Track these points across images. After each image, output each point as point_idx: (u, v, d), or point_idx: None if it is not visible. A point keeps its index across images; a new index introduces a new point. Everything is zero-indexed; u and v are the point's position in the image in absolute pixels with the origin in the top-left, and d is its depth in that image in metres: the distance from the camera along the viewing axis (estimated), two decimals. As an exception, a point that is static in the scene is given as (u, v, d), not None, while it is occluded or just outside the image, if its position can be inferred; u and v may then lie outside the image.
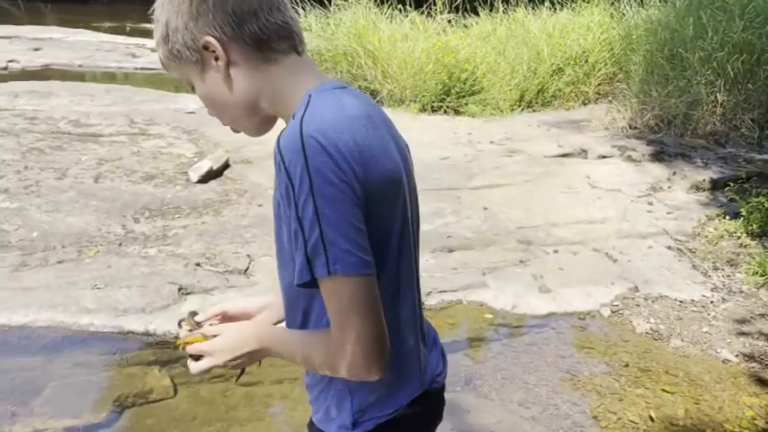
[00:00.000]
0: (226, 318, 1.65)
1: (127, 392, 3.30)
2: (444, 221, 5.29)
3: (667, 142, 7.20)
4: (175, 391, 3.37)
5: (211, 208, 5.25)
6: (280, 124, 1.37)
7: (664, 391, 3.65)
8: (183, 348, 1.51)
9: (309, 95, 1.20)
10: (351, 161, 1.12)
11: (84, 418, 3.13)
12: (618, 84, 9.19)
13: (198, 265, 4.37)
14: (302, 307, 1.35)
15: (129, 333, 3.72)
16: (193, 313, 1.62)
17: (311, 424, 1.52)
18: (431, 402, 1.48)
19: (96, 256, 4.36)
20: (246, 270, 4.42)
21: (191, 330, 1.53)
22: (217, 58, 1.21)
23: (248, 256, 4.59)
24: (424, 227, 5.42)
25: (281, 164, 1.12)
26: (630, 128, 7.70)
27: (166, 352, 3.65)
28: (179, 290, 4.05)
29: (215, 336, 1.43)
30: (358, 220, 1.13)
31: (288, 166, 1.11)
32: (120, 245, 4.55)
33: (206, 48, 1.21)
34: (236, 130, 1.41)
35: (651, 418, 3.42)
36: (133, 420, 3.17)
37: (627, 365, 3.86)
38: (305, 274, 1.13)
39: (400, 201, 1.27)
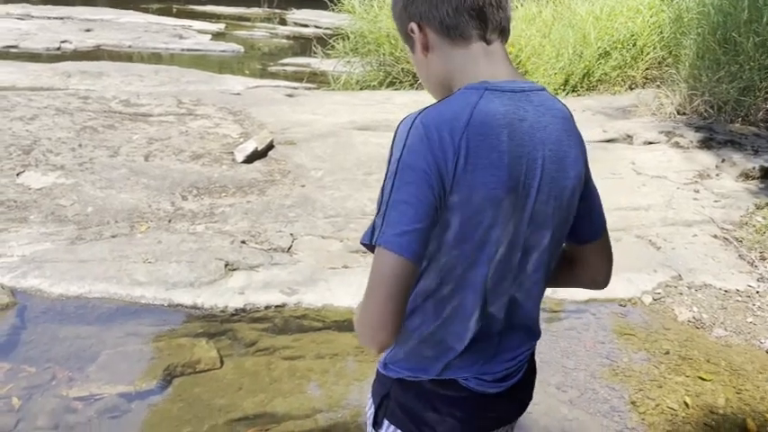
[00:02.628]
0: None
1: (176, 362, 3.44)
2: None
3: (717, 129, 7.02)
4: (222, 363, 3.50)
5: (256, 187, 5.38)
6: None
7: (704, 379, 3.63)
8: None
9: (460, 89, 1.29)
10: (447, 159, 1.19)
11: (137, 384, 3.29)
12: (666, 68, 8.97)
13: (243, 242, 4.50)
14: None
15: (178, 306, 3.87)
16: None
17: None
18: (471, 401, 1.45)
19: (147, 232, 4.53)
20: (289, 248, 4.53)
21: None
22: (418, 41, 1.35)
23: (291, 234, 4.70)
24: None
25: (393, 137, 1.26)
26: (678, 114, 7.53)
27: (213, 325, 3.79)
28: (225, 265, 4.18)
29: None
30: (425, 212, 1.19)
31: (394, 141, 1.25)
32: (169, 221, 4.70)
33: (411, 31, 1.34)
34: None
35: (690, 406, 3.41)
36: (182, 389, 3.32)
37: (667, 353, 3.84)
38: (366, 236, 1.26)
39: (497, 219, 1.26)
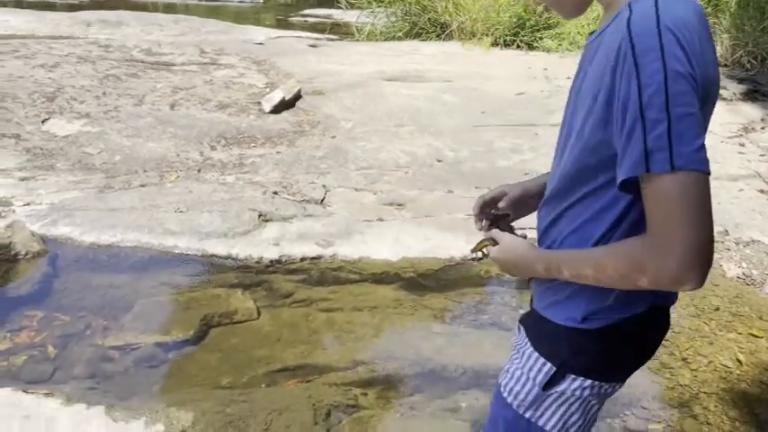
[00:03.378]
0: (510, 201, 1.71)
1: (212, 312, 3.35)
2: (521, 158, 5.12)
3: (761, 81, 6.72)
4: (258, 314, 3.41)
5: (285, 138, 5.22)
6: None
7: (756, 336, 3.49)
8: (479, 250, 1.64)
9: None
10: (696, 60, 1.08)
11: (173, 334, 3.21)
12: (708, 18, 8.59)
13: (275, 193, 4.37)
14: (571, 203, 1.35)
15: (212, 256, 3.77)
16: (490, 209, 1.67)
17: (532, 311, 1.54)
18: (659, 319, 1.43)
19: (177, 181, 4.41)
20: (323, 200, 4.40)
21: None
22: None
23: (324, 186, 4.56)
24: (500, 162, 5.30)
25: (627, 51, 1.07)
26: (721, 65, 7.22)
27: (248, 276, 3.69)
28: (259, 216, 4.06)
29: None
30: (700, 118, 1.09)
31: (638, 53, 1.07)
32: (198, 171, 4.58)
33: None
34: (548, 9, 1.39)
35: (744, 363, 3.27)
36: (219, 339, 3.24)
37: (717, 309, 3.70)
38: (638, 168, 1.08)
39: (710, 114, 1.25)
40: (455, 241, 4.03)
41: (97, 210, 4.00)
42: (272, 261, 3.78)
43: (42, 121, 4.98)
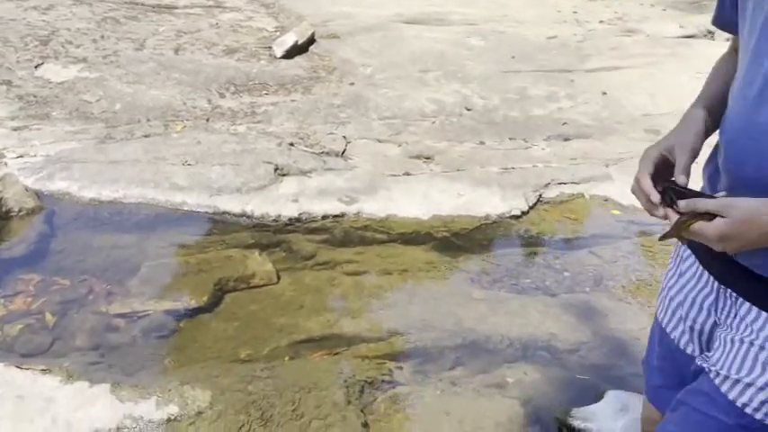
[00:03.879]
0: (685, 170, 1.27)
1: (227, 276, 3.02)
2: (558, 106, 4.71)
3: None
4: (278, 278, 3.08)
5: (300, 85, 4.81)
6: None
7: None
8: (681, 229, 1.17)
9: None
10: None
11: (184, 300, 2.89)
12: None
13: (291, 144, 3.99)
14: None
15: (225, 213, 3.42)
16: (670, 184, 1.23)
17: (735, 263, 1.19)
18: None
19: (184, 131, 4.03)
20: (343, 152, 4.02)
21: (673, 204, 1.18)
22: None
23: (344, 137, 4.18)
24: (535, 111, 4.89)
25: None
26: (764, 8, 6.70)
27: (265, 235, 3.35)
28: (275, 170, 3.70)
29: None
30: None
31: None
32: (207, 120, 4.19)
33: None
34: None
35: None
36: (236, 306, 2.91)
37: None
38: None
39: None
40: (490, 198, 3.67)
41: (97, 162, 3.63)
42: (290, 219, 3.43)
43: (35, 67, 4.58)
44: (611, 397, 2.27)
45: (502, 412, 2.44)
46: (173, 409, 2.19)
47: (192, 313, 2.85)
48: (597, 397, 2.40)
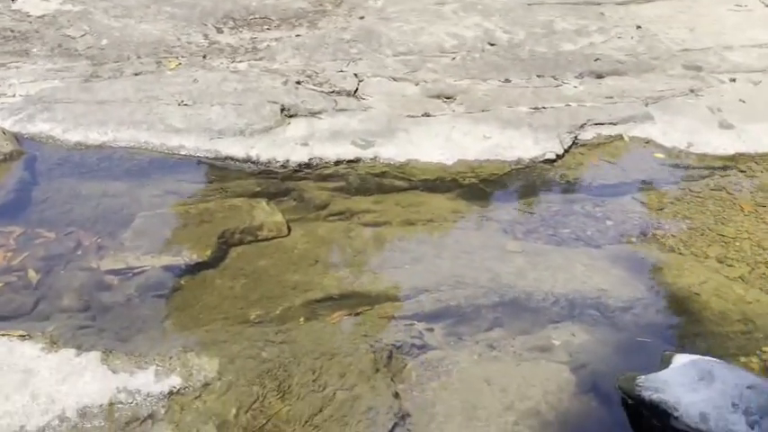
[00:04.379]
0: None
1: (232, 228, 2.68)
2: (589, 41, 4.29)
3: None
4: (289, 229, 2.74)
5: (305, 19, 4.38)
6: None
7: None
8: None
9: None
10: None
11: (186, 255, 2.56)
12: None
13: (298, 83, 3.59)
14: None
15: (228, 159, 3.05)
16: None
17: None
18: None
19: (178, 69, 3.63)
20: (356, 92, 3.63)
21: None
22: None
23: (355, 75, 3.78)
24: (565, 46, 4.48)
25: None
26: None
27: (273, 183, 2.99)
28: (281, 110, 3.31)
29: None
30: None
31: None
32: (204, 57, 3.79)
33: None
34: None
35: None
36: (243, 261, 2.58)
37: None
38: None
39: None
40: (521, 140, 3.31)
41: (83, 103, 3.25)
42: (300, 165, 3.07)
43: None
44: (686, 363, 1.95)
45: (550, 380, 2.14)
46: (175, 381, 1.88)
47: (194, 269, 2.52)
48: (664, 362, 2.09)
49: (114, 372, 1.88)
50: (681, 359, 2.00)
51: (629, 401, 1.97)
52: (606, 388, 2.09)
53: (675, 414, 1.78)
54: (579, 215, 2.99)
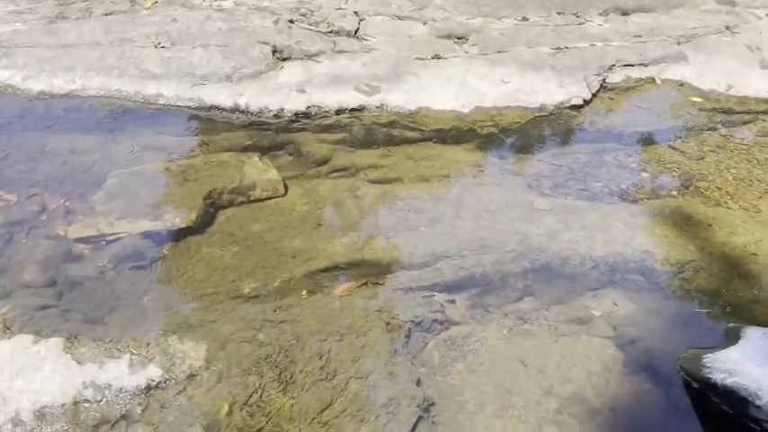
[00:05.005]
0: None
1: (220, 187, 2.34)
2: (613, -26, 3.87)
3: None
4: (285, 188, 2.40)
5: (296, -47, 3.93)
6: None
7: None
8: None
9: None
10: None
11: (166, 219, 2.22)
12: None
13: (291, 22, 3.20)
14: None
15: (213, 108, 2.69)
16: None
17: None
18: None
19: (155, 8, 3.23)
20: (356, 32, 3.24)
21: None
22: None
23: (356, 13, 3.38)
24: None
25: None
26: None
27: (266, 135, 2.64)
28: (273, 52, 2.93)
29: None
30: None
31: None
32: (184, -6, 3.37)
33: None
34: None
35: None
36: (233, 225, 2.25)
37: None
38: None
39: None
40: (544, 84, 2.95)
41: (47, 47, 2.86)
42: (296, 114, 2.71)
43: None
44: (759, 338, 1.64)
45: (593, 358, 1.84)
46: (153, 372, 1.56)
47: (178, 236, 2.19)
48: (730, 337, 1.78)
49: (80, 363, 1.56)
50: (752, 333, 1.70)
51: (694, 385, 1.67)
52: (661, 368, 1.79)
53: (758, 403, 1.48)
54: (612, 166, 2.66)
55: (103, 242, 2.15)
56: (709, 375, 1.59)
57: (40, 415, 1.44)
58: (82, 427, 1.44)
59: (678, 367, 1.74)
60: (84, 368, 1.54)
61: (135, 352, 1.60)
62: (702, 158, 2.72)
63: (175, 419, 1.48)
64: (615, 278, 2.11)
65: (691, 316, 1.97)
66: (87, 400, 1.48)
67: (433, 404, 1.67)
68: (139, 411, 1.48)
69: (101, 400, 1.49)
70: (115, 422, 1.46)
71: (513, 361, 1.83)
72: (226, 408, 1.52)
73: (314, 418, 1.54)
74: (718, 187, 2.55)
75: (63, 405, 1.46)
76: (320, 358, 1.69)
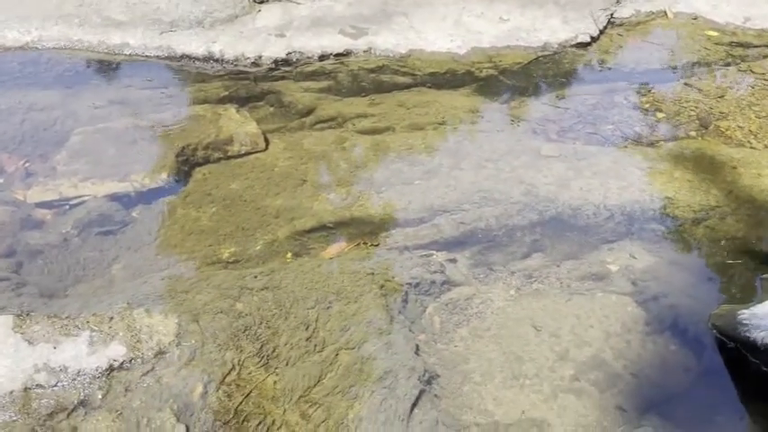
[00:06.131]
0: None
1: (194, 143, 2.13)
2: None
3: None
4: (266, 142, 2.19)
5: None
6: None
7: None
8: None
9: None
10: None
11: (136, 180, 2.01)
12: None
13: (269, -39, 2.92)
14: None
15: (185, 57, 2.46)
16: None
17: None
18: None
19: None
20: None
21: None
22: None
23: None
24: None
25: None
26: None
27: (244, 85, 2.41)
28: (248, -7, 2.67)
29: None
30: None
31: None
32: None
33: None
34: None
35: None
36: (210, 184, 2.04)
37: None
38: None
39: None
40: (546, 21, 2.71)
41: (-1, -5, 2.59)
42: (276, 61, 2.48)
43: None
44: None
45: (611, 318, 1.66)
46: (116, 351, 1.37)
47: (149, 197, 1.99)
48: (766, 289, 1.59)
49: (31, 343, 1.36)
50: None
51: (729, 345, 1.48)
52: (690, 326, 1.61)
53: (805, 363, 1.30)
54: (623, 108, 2.44)
55: (67, 206, 1.95)
56: (747, 334, 1.41)
57: (-14, 404, 1.26)
58: (33, 417, 1.25)
59: (709, 326, 1.56)
60: (36, 349, 1.35)
61: (95, 328, 1.41)
62: (722, 96, 2.50)
63: (142, 404, 1.29)
64: (632, 229, 1.91)
65: (719, 268, 1.78)
66: (40, 386, 1.29)
67: (435, 376, 1.49)
68: (100, 396, 1.30)
69: (55, 385, 1.30)
70: (72, 410, 1.27)
71: (523, 324, 1.65)
72: (200, 388, 1.33)
73: (300, 397, 1.36)
74: (740, 126, 2.33)
75: (11, 392, 1.27)
76: (306, 328, 1.50)
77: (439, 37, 2.62)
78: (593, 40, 2.69)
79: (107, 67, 2.41)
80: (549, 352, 1.58)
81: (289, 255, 1.80)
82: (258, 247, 1.84)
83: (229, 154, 2.15)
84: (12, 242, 1.83)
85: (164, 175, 2.03)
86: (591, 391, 1.49)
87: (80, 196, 1.98)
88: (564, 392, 1.48)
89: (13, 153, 2.12)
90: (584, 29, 2.68)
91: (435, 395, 1.46)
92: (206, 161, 2.12)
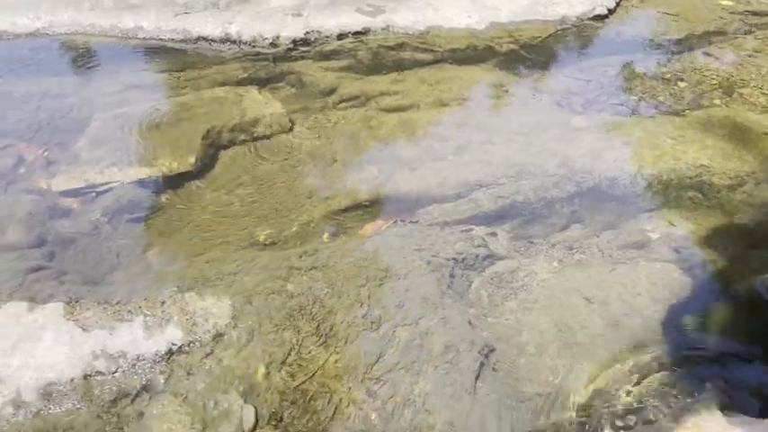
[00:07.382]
0: None
1: (219, 125, 2.08)
2: None
3: None
4: (291, 123, 2.14)
5: None
6: None
7: None
8: None
9: None
10: None
11: (163, 164, 1.96)
12: None
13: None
14: None
15: (201, 40, 2.41)
16: None
17: None
18: None
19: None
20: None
21: None
22: None
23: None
24: None
25: None
26: None
27: (263, 66, 2.37)
28: (261, -27, 2.61)
29: None
30: None
31: None
32: None
33: None
34: None
35: None
36: (238, 166, 2.00)
37: None
38: None
39: None
40: (562, -7, 2.68)
41: (3, -19, 2.51)
42: (294, 41, 2.44)
43: None
44: None
45: (658, 284, 1.65)
46: (174, 335, 1.34)
47: (177, 182, 1.94)
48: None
49: (85, 330, 1.33)
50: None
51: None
52: (740, 291, 1.61)
53: None
54: (644, 78, 2.43)
55: (93, 193, 1.89)
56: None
57: (46, 393, 1.22)
58: (97, 404, 1.22)
59: (764, 289, 1.55)
60: (91, 335, 1.31)
61: (149, 313, 1.38)
62: (741, 64, 2.50)
63: (206, 386, 1.26)
64: (670, 196, 1.90)
65: (762, 231, 1.78)
66: (100, 372, 1.26)
67: (492, 350, 1.47)
68: (163, 380, 1.27)
69: (115, 371, 1.27)
70: (136, 395, 1.24)
71: (570, 295, 1.64)
72: (262, 369, 1.31)
73: (365, 374, 1.34)
74: (763, 93, 2.33)
75: (72, 380, 1.24)
76: (361, 306, 1.48)
77: (457, 13, 2.59)
78: (610, 12, 2.68)
79: (121, 51, 2.36)
80: (600, 320, 1.57)
81: (325, 235, 1.77)
82: (294, 229, 1.80)
83: (255, 136, 2.10)
84: (41, 231, 1.78)
85: (191, 159, 1.98)
86: (647, 358, 1.49)
87: (107, 183, 1.92)
88: (623, 357, 1.48)
89: (30, 142, 2.06)
90: (601, 1, 2.67)
91: (494, 368, 1.44)
92: (232, 144, 2.08)
